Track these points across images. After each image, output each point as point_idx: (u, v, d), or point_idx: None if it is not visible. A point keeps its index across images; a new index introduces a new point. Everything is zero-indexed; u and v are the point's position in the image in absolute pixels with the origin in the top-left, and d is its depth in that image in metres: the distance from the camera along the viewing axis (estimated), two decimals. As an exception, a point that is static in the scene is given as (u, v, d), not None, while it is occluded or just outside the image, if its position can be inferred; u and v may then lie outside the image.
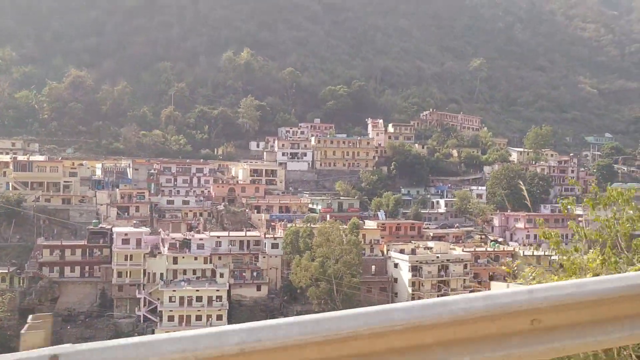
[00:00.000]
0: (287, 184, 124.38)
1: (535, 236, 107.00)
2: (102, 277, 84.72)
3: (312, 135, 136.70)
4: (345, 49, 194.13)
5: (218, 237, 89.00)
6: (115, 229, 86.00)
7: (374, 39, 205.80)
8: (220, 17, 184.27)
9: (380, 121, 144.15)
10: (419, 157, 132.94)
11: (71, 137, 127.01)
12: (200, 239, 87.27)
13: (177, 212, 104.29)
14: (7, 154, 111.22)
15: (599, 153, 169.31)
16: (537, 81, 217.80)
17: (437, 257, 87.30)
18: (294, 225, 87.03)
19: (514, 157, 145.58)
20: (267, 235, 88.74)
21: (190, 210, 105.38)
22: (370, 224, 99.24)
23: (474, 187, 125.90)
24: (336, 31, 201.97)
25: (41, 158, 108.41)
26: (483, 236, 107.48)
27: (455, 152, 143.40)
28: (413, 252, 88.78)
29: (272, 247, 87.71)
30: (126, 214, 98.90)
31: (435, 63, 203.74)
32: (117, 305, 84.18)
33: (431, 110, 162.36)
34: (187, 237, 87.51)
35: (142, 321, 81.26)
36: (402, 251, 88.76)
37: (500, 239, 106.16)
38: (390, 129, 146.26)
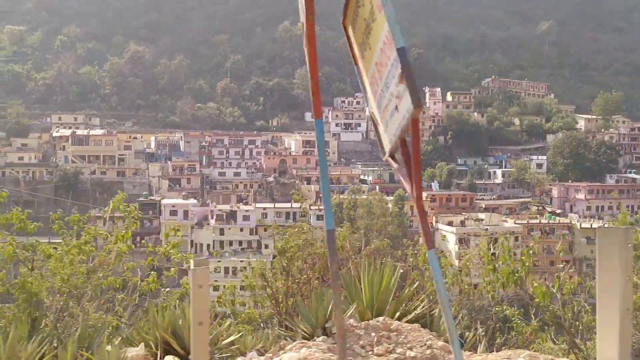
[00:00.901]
0: (341, 154, 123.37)
1: (597, 208, 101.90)
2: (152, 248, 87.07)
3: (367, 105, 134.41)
4: (405, 16, 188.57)
5: (264, 208, 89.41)
6: (163, 201, 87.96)
7: (436, 5, 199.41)
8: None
9: (438, 89, 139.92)
10: (477, 126, 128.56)
11: (130, 111, 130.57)
12: (247, 211, 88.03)
13: (228, 184, 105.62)
14: (70, 128, 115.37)
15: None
16: (612, 44, 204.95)
17: (486, 229, 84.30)
18: (337, 196, 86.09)
19: (581, 124, 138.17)
20: (312, 207, 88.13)
21: (241, 182, 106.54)
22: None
23: (534, 157, 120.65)
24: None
25: (100, 132, 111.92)
26: (540, 207, 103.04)
27: (517, 121, 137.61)
28: (462, 223, 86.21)
29: (317, 219, 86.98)
30: (178, 186, 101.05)
31: (501, 28, 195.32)
32: (165, 276, 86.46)
33: (493, 77, 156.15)
34: (234, 209, 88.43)
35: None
36: (450, 223, 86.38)
37: (558, 211, 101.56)
38: (449, 97, 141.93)
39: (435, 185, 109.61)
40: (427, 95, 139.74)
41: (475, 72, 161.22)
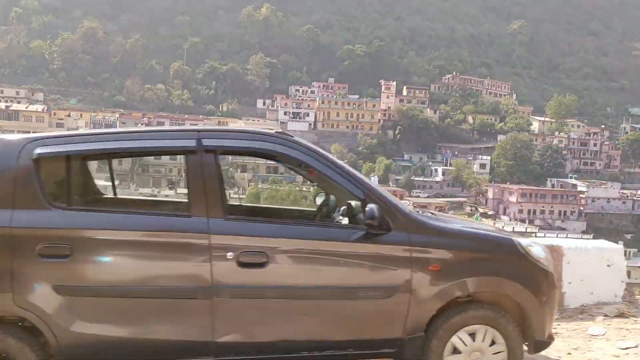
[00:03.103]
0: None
1: (529, 211, 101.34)
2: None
3: (321, 95, 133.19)
4: (377, 8, 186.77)
5: (185, 194, 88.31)
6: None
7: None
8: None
9: (394, 83, 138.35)
10: (426, 122, 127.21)
11: (78, 87, 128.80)
12: (167, 196, 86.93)
13: (161, 168, 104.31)
14: (11, 102, 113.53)
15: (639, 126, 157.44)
16: (586, 47, 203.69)
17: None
18: (255, 185, 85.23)
19: (535, 126, 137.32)
20: (232, 195, 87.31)
21: (175, 167, 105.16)
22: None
23: (479, 157, 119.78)
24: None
25: (40, 107, 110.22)
26: (473, 208, 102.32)
27: (470, 119, 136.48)
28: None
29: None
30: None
31: (472, 24, 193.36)
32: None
33: (454, 73, 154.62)
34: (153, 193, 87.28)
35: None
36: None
37: (491, 212, 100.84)
38: (404, 92, 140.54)
39: (374, 179, 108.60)
40: (382, 88, 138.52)
41: (438, 67, 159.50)
